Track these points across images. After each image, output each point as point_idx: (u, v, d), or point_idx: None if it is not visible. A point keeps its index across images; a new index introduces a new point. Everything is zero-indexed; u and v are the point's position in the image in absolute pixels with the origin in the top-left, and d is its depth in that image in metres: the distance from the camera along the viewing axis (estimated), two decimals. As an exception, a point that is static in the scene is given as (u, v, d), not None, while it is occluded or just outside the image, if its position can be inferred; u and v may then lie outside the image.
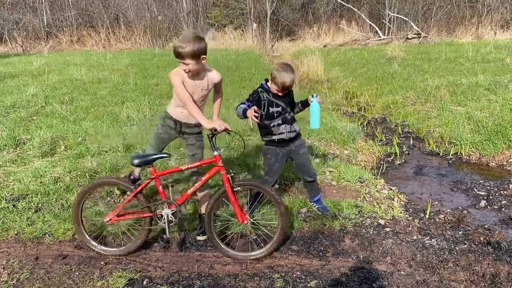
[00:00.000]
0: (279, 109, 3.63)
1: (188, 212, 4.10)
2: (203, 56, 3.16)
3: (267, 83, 3.63)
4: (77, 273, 3.18)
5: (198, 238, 3.68)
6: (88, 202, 3.88)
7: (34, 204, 4.18)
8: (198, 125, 3.44)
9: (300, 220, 3.89)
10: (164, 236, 3.34)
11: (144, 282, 3.06)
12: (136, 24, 23.07)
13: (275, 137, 3.68)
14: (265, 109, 3.62)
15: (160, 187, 3.35)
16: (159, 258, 3.41)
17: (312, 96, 3.67)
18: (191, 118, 3.36)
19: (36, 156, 5.42)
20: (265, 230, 3.54)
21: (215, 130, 3.11)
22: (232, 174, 3.28)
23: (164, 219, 3.33)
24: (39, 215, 3.99)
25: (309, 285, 3.00)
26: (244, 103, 3.55)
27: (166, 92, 8.84)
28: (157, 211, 3.35)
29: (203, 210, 3.70)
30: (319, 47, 18.29)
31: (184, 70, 3.18)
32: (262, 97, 3.62)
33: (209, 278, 3.11)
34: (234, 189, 3.28)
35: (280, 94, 3.58)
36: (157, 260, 3.38)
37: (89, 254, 3.46)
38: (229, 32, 22.40)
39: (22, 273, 3.17)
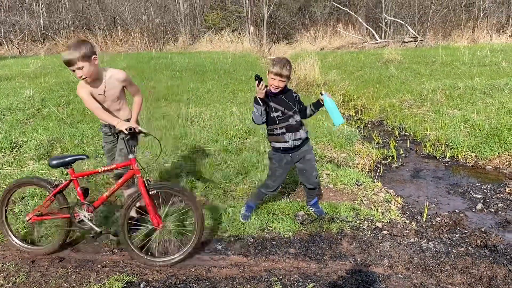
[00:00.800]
0: (279, 113, 3.60)
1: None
2: (95, 56, 3.20)
3: (266, 87, 3.62)
4: (74, 276, 3.16)
5: (111, 237, 3.57)
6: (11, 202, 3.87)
7: (30, 207, 4.16)
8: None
9: (298, 223, 3.89)
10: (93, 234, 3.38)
11: (141, 285, 3.04)
12: (133, 26, 23.06)
13: (279, 145, 3.67)
14: (267, 115, 3.61)
15: (78, 189, 3.38)
16: (156, 261, 3.39)
17: (321, 94, 3.62)
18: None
19: (32, 158, 5.40)
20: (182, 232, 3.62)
21: (128, 130, 3.16)
22: (148, 178, 3.28)
23: (81, 220, 3.36)
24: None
25: (306, 288, 3.00)
26: (255, 107, 3.54)
27: (164, 95, 8.84)
28: (75, 213, 3.39)
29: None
30: (316, 50, 18.33)
31: (81, 77, 3.19)
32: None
33: (206, 281, 3.10)
34: (150, 192, 3.23)
35: (277, 88, 3.53)
36: (154, 263, 3.37)
37: (86, 257, 3.45)
38: (226, 35, 22.42)
39: (18, 276, 3.15)
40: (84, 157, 3.42)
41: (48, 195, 3.43)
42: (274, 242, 3.63)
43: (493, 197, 4.85)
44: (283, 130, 3.63)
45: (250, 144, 5.77)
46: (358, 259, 3.43)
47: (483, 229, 4.06)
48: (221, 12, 24.78)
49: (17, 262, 3.36)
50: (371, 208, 4.29)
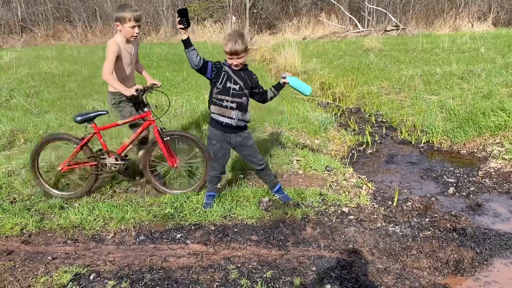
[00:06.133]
0: (237, 87, 3.43)
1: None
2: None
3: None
4: (21, 269, 2.98)
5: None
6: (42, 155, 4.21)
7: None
8: None
9: (262, 209, 3.75)
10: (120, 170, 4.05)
11: (91, 277, 2.88)
12: (114, 18, 22.61)
13: (222, 119, 3.47)
14: (222, 82, 3.42)
15: (101, 140, 3.94)
16: (111, 252, 3.24)
17: (283, 77, 3.56)
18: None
19: (-8, 149, 5.18)
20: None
21: (137, 92, 3.68)
22: (162, 126, 3.86)
23: (108, 165, 3.95)
24: (-13, 210, 3.78)
25: (264, 275, 2.87)
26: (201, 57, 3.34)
27: (138, 83, 8.60)
28: (101, 161, 3.95)
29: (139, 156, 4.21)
30: (298, 39, 18.14)
31: (136, 35, 3.78)
32: (223, 69, 3.43)
33: (161, 271, 2.95)
34: (164, 139, 3.84)
35: (234, 63, 3.38)
36: (108, 253, 3.21)
37: (37, 249, 3.28)
38: (209, 25, 22.13)
39: (-40, 271, 2.97)
40: (105, 112, 3.97)
41: (75, 148, 3.91)
42: (236, 230, 3.49)
43: (466, 181, 4.78)
44: (234, 105, 3.45)
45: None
46: (322, 245, 3.31)
47: (453, 213, 3.98)
48: (204, 2, 24.44)
49: (-38, 256, 3.17)
50: (340, 193, 4.18)
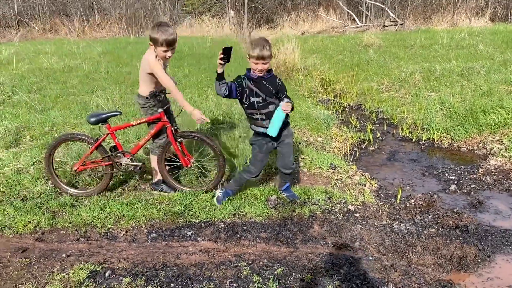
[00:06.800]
0: (260, 99, 3.53)
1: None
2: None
3: (251, 70, 3.54)
4: (37, 267, 3.05)
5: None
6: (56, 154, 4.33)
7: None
8: None
9: (270, 207, 3.83)
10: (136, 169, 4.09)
11: (107, 274, 2.96)
12: (111, 11, 22.52)
13: (259, 129, 3.63)
14: (248, 98, 3.55)
15: (116, 140, 4.02)
16: (124, 249, 3.31)
17: (281, 101, 3.53)
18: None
19: (-1, 146, 5.22)
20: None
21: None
22: (176, 127, 3.92)
23: (123, 165, 4.04)
24: (-1, 207, 3.85)
25: (275, 272, 2.95)
26: (227, 83, 3.45)
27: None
28: (116, 160, 4.02)
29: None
30: (297, 34, 18.17)
31: (169, 58, 3.74)
32: (244, 85, 3.53)
33: (174, 268, 3.03)
34: (177, 140, 3.89)
35: (259, 69, 3.44)
36: (121, 251, 3.29)
37: (51, 247, 3.35)
38: (207, 19, 22.08)
39: (-23, 268, 3.03)
40: (118, 113, 4.06)
41: (90, 148, 4.00)
42: (245, 227, 3.57)
43: (467, 178, 4.88)
44: (263, 116, 3.58)
45: (225, 130, 5.67)
46: (329, 242, 3.40)
47: (455, 210, 4.08)
48: (201, -4, 24.37)
49: (-22, 253, 3.24)
50: (345, 191, 4.26)
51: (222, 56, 3.27)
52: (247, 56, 3.49)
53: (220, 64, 3.30)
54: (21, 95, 7.43)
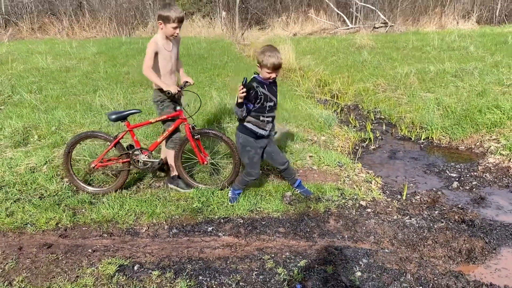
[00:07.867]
0: (272, 103, 3.69)
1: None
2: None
3: (259, 75, 3.65)
4: (65, 262, 3.13)
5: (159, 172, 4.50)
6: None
7: (12, 194, 4.08)
8: None
9: (286, 203, 3.97)
10: (154, 167, 4.15)
11: (135, 268, 3.05)
12: (101, 11, 22.39)
13: (257, 131, 3.70)
14: (262, 104, 3.63)
15: (134, 137, 4.12)
16: (148, 244, 3.41)
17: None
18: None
19: (8, 146, 5.24)
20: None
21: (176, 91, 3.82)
22: (193, 125, 4.03)
23: (141, 162, 4.09)
24: (18, 205, 3.90)
25: (299, 264, 3.08)
26: (236, 108, 3.60)
27: (139, 80, 8.68)
28: (134, 157, 4.08)
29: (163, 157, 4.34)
30: (288, 35, 18.33)
31: (177, 35, 3.92)
32: (259, 93, 3.60)
33: (200, 261, 3.14)
34: (195, 137, 4.02)
35: (272, 77, 3.60)
36: (145, 246, 3.38)
37: (75, 243, 3.42)
38: (197, 20, 22.10)
39: (7, 263, 3.09)
40: (138, 111, 4.18)
41: (108, 145, 4.09)
42: (263, 222, 3.70)
43: (467, 175, 5.07)
44: (269, 119, 3.73)
45: (232, 128, 5.78)
46: (346, 236, 3.54)
47: (460, 206, 4.26)
48: (192, -4, 24.37)
49: (4, 250, 3.29)
50: (354, 188, 4.41)
51: (243, 90, 3.41)
52: (258, 64, 3.59)
53: (241, 98, 3.46)
54: (22, 95, 7.42)
